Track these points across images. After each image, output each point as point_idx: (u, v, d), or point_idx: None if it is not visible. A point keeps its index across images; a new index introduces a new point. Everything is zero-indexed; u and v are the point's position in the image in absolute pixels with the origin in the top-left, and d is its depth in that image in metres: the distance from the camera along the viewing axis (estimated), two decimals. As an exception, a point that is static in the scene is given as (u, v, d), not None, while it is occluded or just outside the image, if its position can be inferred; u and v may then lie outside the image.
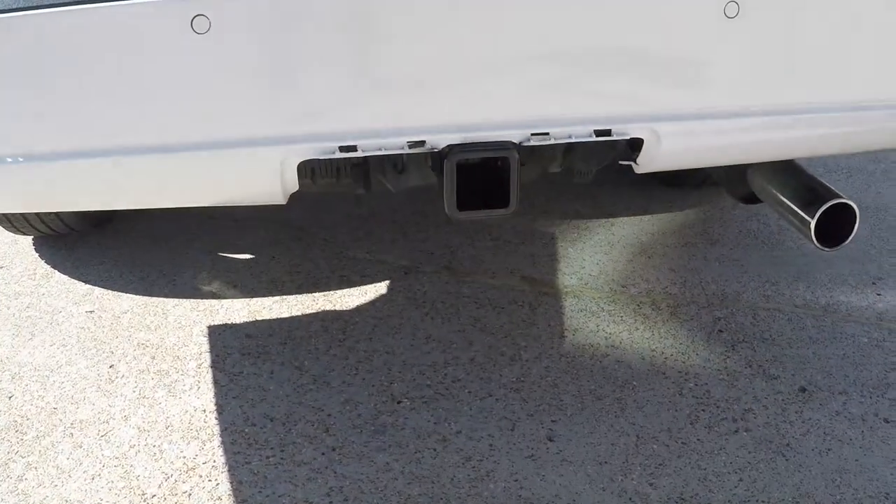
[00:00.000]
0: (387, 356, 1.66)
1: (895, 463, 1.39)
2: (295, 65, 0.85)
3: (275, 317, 1.80)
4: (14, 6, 0.83)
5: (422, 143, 0.92)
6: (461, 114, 0.90)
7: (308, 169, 0.95)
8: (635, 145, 0.99)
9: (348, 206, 2.27)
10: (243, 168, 0.91)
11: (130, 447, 1.43)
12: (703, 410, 1.49)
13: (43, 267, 2.04)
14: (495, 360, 1.63)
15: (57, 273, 2.01)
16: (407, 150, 0.92)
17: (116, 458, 1.41)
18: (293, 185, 0.94)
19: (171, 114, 0.87)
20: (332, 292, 1.89)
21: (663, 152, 1.00)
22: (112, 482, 1.36)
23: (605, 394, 1.53)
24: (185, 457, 1.40)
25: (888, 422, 1.49)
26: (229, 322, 1.78)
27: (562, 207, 2.27)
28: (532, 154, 0.99)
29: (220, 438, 1.44)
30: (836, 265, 1.99)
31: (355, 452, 1.41)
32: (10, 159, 0.89)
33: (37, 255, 2.09)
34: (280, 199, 0.97)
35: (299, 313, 1.81)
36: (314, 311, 1.82)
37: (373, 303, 1.85)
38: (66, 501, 1.32)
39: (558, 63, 0.90)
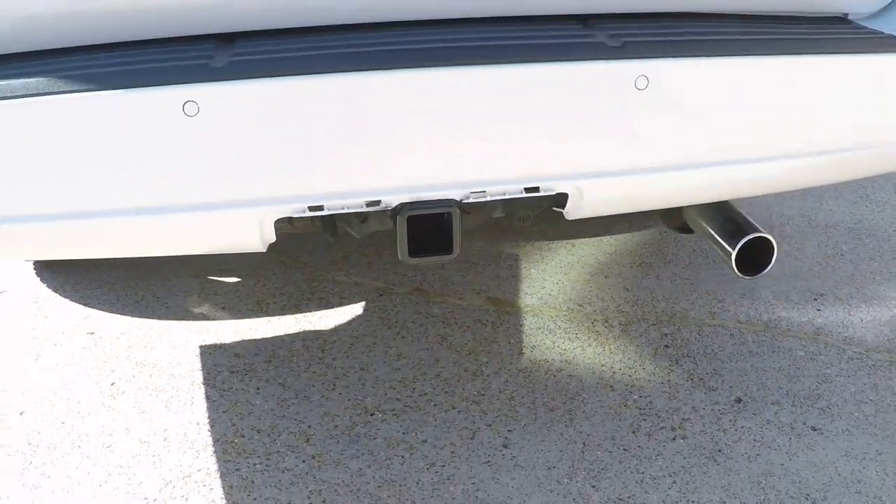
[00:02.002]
0: (361, 373, 1.87)
1: (818, 467, 1.60)
2: (270, 142, 1.06)
3: (260, 336, 2.01)
4: (49, 90, 1.03)
5: (377, 202, 1.14)
6: (409, 178, 1.12)
7: (285, 219, 1.16)
8: (563, 198, 1.21)
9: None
10: (228, 225, 1.12)
11: (133, 457, 1.64)
12: (644, 420, 1.71)
13: (44, 291, 2.25)
14: (459, 376, 1.85)
15: (57, 297, 2.22)
16: (365, 209, 1.13)
17: (120, 466, 1.62)
18: (271, 237, 1.16)
19: (164, 181, 1.08)
20: (312, 313, 2.10)
21: (587, 203, 1.22)
22: (117, 488, 1.57)
23: (557, 405, 1.75)
24: (181, 465, 1.61)
25: (815, 430, 1.70)
26: (218, 342, 1.99)
27: (527, 230, 2.48)
28: (475, 205, 1.20)
29: (212, 448, 1.65)
30: (781, 282, 2.21)
31: (332, 460, 1.62)
32: (29, 217, 1.10)
33: (38, 279, 2.29)
34: (260, 248, 1.18)
35: (282, 333, 2.02)
36: (296, 330, 2.03)
37: (349, 323, 2.06)
38: (75, 507, 1.53)
39: (490, 133, 1.11)
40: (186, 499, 1.54)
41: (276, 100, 1.07)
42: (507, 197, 1.17)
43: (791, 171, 1.34)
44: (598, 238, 2.43)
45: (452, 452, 1.63)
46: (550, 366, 1.87)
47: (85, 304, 2.17)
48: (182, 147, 1.07)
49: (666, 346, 1.95)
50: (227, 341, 2.00)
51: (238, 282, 2.26)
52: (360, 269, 2.28)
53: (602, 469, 1.59)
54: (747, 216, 1.56)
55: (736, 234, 1.46)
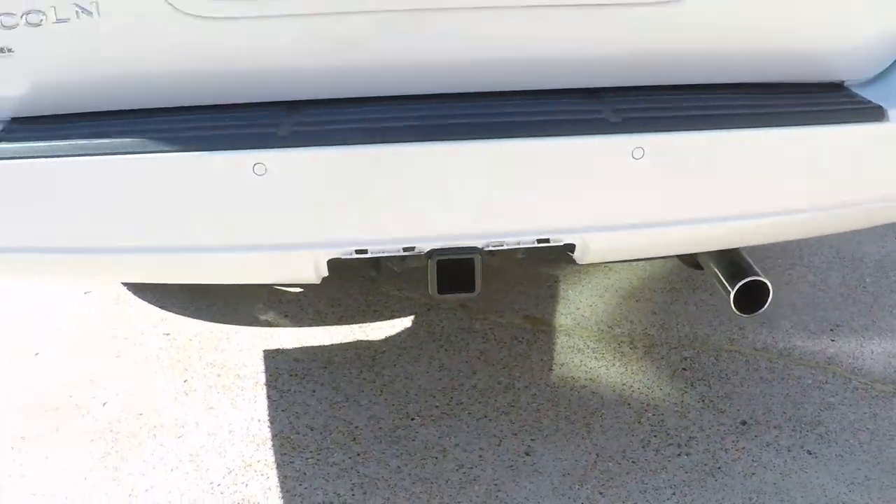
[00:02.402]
0: (406, 381, 2.11)
1: (807, 488, 1.78)
2: (325, 197, 1.30)
3: (318, 344, 2.27)
4: (143, 150, 1.29)
5: (412, 248, 1.37)
6: (440, 229, 1.34)
7: (336, 259, 1.40)
8: (571, 247, 1.41)
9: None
10: (290, 263, 1.37)
11: (201, 447, 1.91)
12: (654, 436, 1.90)
13: (125, 294, 2.56)
14: (493, 388, 2.07)
15: (136, 300, 2.52)
16: (402, 253, 1.36)
17: (190, 455, 1.90)
18: (324, 272, 1.39)
19: (239, 226, 1.33)
20: (366, 324, 2.35)
21: (593, 251, 1.42)
22: (187, 473, 1.84)
23: (577, 419, 1.95)
24: (243, 456, 1.88)
25: (811, 453, 1.87)
26: (280, 347, 2.26)
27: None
28: (497, 251, 1.42)
29: (270, 442, 1.91)
30: (801, 312, 2.37)
31: (375, 457, 1.87)
32: (145, 249, 1.37)
33: (118, 283, 2.60)
34: (315, 281, 1.42)
35: (338, 342, 2.28)
36: (350, 340, 2.29)
37: (399, 334, 2.30)
38: (152, 487, 1.81)
39: (507, 193, 1.33)
40: (246, 485, 1.80)
41: (330, 164, 1.31)
42: (521, 246, 1.39)
43: (773, 227, 1.53)
44: (633, 263, 2.62)
45: (480, 456, 1.86)
46: (576, 382, 2.08)
47: (162, 308, 2.46)
48: (252, 199, 1.32)
49: (684, 370, 2.14)
50: (287, 347, 2.26)
51: (300, 293, 2.53)
52: (411, 285, 2.52)
53: (610, 479, 1.79)
54: (750, 260, 1.74)
55: (736, 276, 1.65)
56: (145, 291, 2.52)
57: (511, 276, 2.56)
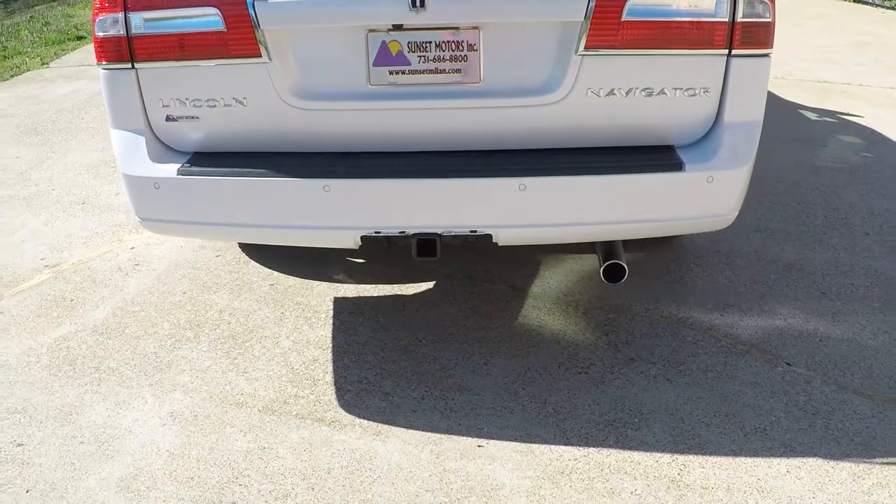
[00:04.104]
0: (421, 319, 3.36)
1: (656, 399, 2.91)
2: (361, 203, 2.57)
3: (368, 294, 3.56)
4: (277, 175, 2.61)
5: (404, 232, 2.62)
6: (418, 223, 2.56)
7: (366, 236, 2.68)
8: (490, 236, 2.63)
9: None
10: (339, 237, 2.66)
11: (289, 349, 3.24)
12: (568, 361, 3.08)
13: (244, 256, 3.93)
14: (475, 327, 3.29)
15: (252, 262, 3.89)
16: (398, 234, 2.63)
17: (282, 354, 3.22)
18: (359, 243, 2.65)
19: (314, 216, 2.63)
20: (402, 284, 3.62)
21: (503, 239, 2.61)
22: (278, 367, 3.17)
23: (523, 347, 3.15)
24: (314, 356, 3.19)
25: (668, 380, 3.00)
26: (345, 296, 3.56)
27: (556, 246, 3.89)
28: (451, 235, 2.66)
29: (331, 350, 3.22)
30: (707, 296, 3.48)
31: (392, 360, 3.12)
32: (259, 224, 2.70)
33: (239, 248, 3.98)
34: (355, 247, 2.69)
35: (382, 294, 3.56)
36: (389, 293, 3.56)
37: (423, 292, 3.56)
38: (255, 368, 3.14)
39: (454, 206, 2.56)
40: (315, 366, 3.11)
41: (362, 187, 2.59)
42: (463, 233, 2.65)
43: (606, 231, 2.71)
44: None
45: (455, 363, 3.08)
46: (530, 327, 3.29)
47: (268, 267, 3.82)
48: (323, 203, 2.63)
49: (605, 325, 3.31)
50: (349, 295, 3.57)
51: (362, 262, 3.84)
52: (437, 263, 3.79)
53: (532, 382, 3.00)
54: (621, 248, 2.92)
55: (606, 258, 2.85)
56: (260, 256, 3.90)
57: (509, 259, 3.79)
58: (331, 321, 3.39)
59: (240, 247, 3.96)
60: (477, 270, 3.71)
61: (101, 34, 2.66)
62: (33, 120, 6.04)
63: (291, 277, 3.72)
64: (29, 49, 8.35)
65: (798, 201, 4.35)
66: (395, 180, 2.59)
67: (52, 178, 4.97)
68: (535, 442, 2.71)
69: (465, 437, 2.74)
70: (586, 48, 2.51)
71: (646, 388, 2.96)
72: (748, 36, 2.57)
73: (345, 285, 3.64)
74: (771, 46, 2.64)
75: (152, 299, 3.60)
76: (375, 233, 2.66)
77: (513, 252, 3.66)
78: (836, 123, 5.42)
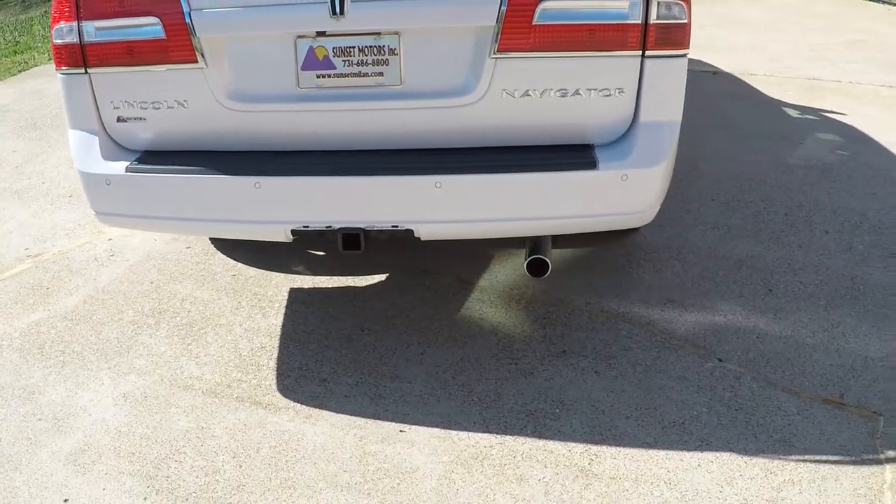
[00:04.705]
0: (369, 310, 3.53)
1: (580, 390, 3.04)
2: (291, 199, 2.74)
3: (323, 286, 3.74)
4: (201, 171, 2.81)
5: (330, 227, 2.78)
6: (343, 218, 2.71)
7: (295, 230, 2.85)
8: (411, 231, 2.78)
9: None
10: (272, 230, 2.82)
11: (240, 336, 3.43)
12: (501, 353, 3.23)
13: (212, 248, 4.13)
14: (420, 317, 3.45)
15: (219, 254, 4.09)
16: (325, 228, 2.79)
17: (233, 340, 3.40)
18: (290, 237, 2.80)
19: (247, 210, 2.81)
20: (358, 276, 3.81)
21: (423, 234, 2.75)
22: (227, 353, 3.36)
23: (460, 338, 3.29)
24: (262, 344, 3.38)
25: (597, 373, 3.12)
26: (300, 286, 3.74)
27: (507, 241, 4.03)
28: (375, 230, 2.82)
29: (279, 337, 3.40)
30: (652, 291, 3.60)
31: (334, 347, 3.31)
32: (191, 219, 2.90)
33: (208, 241, 4.18)
34: (287, 241, 2.86)
35: (336, 285, 3.74)
36: (344, 284, 3.75)
37: (375, 284, 3.73)
38: (206, 354, 3.34)
39: (376, 203, 2.71)
40: (261, 356, 3.31)
41: (291, 184, 2.76)
42: (385, 228, 2.81)
43: (521, 228, 2.83)
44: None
45: (393, 352, 3.23)
46: (471, 318, 3.43)
47: (234, 259, 4.02)
48: (254, 201, 2.80)
49: (544, 318, 3.45)
50: (304, 286, 3.75)
51: (322, 255, 4.03)
52: (392, 257, 3.96)
53: (463, 371, 3.14)
54: (548, 244, 3.06)
55: (531, 253, 2.99)
56: (226, 248, 4.10)
57: (461, 253, 3.94)
58: (283, 311, 3.58)
59: (209, 239, 4.16)
60: (430, 264, 3.87)
61: (58, 41, 2.87)
62: (34, 115, 6.33)
63: (253, 269, 3.91)
64: (40, 44, 8.67)
65: (762, 199, 4.43)
66: (320, 178, 2.76)
67: (45, 171, 5.23)
68: (454, 429, 2.86)
69: (389, 423, 2.90)
70: (499, 51, 2.65)
71: (572, 379, 3.09)
72: (662, 37, 2.67)
73: (302, 277, 3.83)
74: (687, 47, 2.74)
75: (122, 288, 3.82)
76: (304, 227, 2.83)
77: (465, 246, 3.83)
78: (817, 121, 5.47)
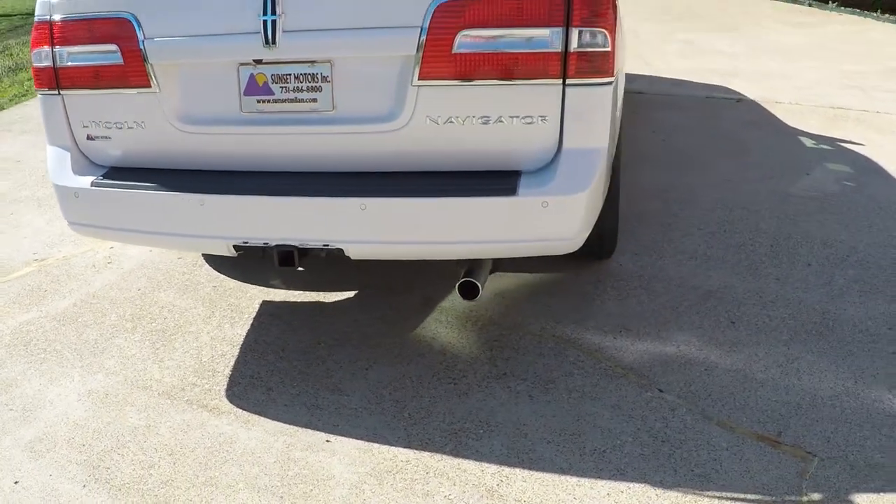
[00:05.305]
0: (330, 325, 3.71)
1: (509, 413, 3.11)
2: (231, 217, 2.94)
3: (292, 300, 3.94)
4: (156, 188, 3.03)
5: (267, 243, 2.96)
6: (278, 236, 2.88)
7: (237, 245, 3.05)
8: (341, 250, 2.94)
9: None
10: (216, 244, 3.03)
11: (205, 344, 3.64)
12: (443, 372, 3.34)
13: (200, 260, 4.37)
14: (375, 334, 3.61)
15: (206, 265, 4.33)
16: (263, 245, 2.96)
17: (198, 348, 3.63)
18: (234, 252, 3.00)
19: (193, 224, 3.03)
20: (327, 292, 3.99)
21: (353, 253, 2.90)
22: (190, 359, 3.58)
23: (407, 355, 3.42)
24: (223, 352, 3.58)
25: (531, 397, 3.17)
26: (272, 300, 3.95)
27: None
28: (307, 247, 2.98)
29: (240, 346, 3.60)
30: (610, 318, 3.64)
31: (288, 358, 3.49)
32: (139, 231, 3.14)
33: (201, 256, 4.43)
34: (231, 255, 3.07)
35: (304, 300, 3.93)
36: (311, 300, 3.93)
37: (342, 300, 3.91)
38: (170, 359, 3.57)
39: (307, 222, 2.87)
40: (221, 363, 3.51)
41: (233, 202, 2.96)
42: (317, 247, 2.97)
43: (448, 251, 2.96)
44: (519, 273, 4.02)
45: (340, 367, 3.39)
46: (424, 337, 3.54)
47: (217, 270, 4.26)
48: (199, 217, 3.02)
49: (495, 341, 3.54)
50: (276, 300, 3.95)
51: (302, 270, 4.22)
52: (366, 275, 4.12)
53: (402, 388, 3.27)
54: (482, 267, 3.16)
55: (466, 274, 3.11)
56: (212, 260, 4.34)
57: (431, 272, 4.07)
58: (251, 322, 3.78)
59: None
60: (399, 282, 4.02)
61: (36, 65, 3.17)
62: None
63: (233, 281, 4.13)
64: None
65: (752, 229, 4.41)
66: (256, 197, 2.95)
67: (72, 180, 5.61)
68: (378, 442, 2.99)
69: (318, 432, 3.05)
70: (420, 79, 2.79)
71: (505, 402, 3.18)
72: (584, 65, 2.76)
73: (276, 290, 4.03)
74: (611, 75, 2.82)
75: (111, 293, 4.10)
76: (244, 243, 3.03)
77: (436, 265, 3.96)
78: (830, 151, 5.39)
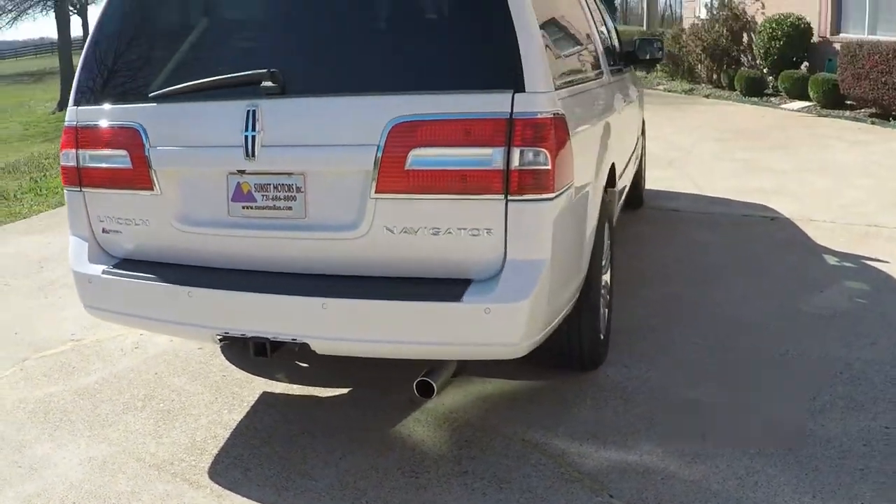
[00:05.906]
0: (316, 405, 4.01)
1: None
2: (215, 311, 3.31)
3: (290, 392, 4.27)
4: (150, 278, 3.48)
5: (245, 335, 3.30)
6: (254, 329, 3.20)
7: (218, 336, 3.41)
8: (307, 345, 3.25)
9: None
10: (204, 333, 3.40)
11: (202, 426, 3.97)
12: (408, 467, 3.53)
13: (217, 350, 4.79)
14: (349, 416, 3.89)
15: (221, 356, 4.73)
16: (241, 336, 3.31)
17: (195, 428, 3.95)
18: (217, 340, 3.38)
19: (188, 316, 3.42)
20: (325, 388, 4.30)
21: (318, 348, 3.21)
22: (185, 437, 3.93)
23: (374, 446, 3.67)
24: (216, 434, 3.91)
25: (484, 494, 3.39)
26: (271, 391, 4.29)
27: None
28: (278, 340, 3.32)
29: (231, 432, 3.93)
30: (581, 423, 3.79)
31: (278, 443, 3.79)
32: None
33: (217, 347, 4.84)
34: (215, 344, 3.43)
35: (306, 393, 4.25)
36: (312, 393, 4.24)
37: (337, 395, 4.21)
38: (168, 436, 3.92)
39: (278, 320, 3.22)
40: (217, 439, 3.84)
41: (218, 297, 3.34)
42: (287, 340, 3.30)
43: (399, 350, 3.24)
44: (505, 379, 4.23)
45: (318, 455, 3.70)
46: (401, 434, 3.79)
47: (231, 361, 4.64)
48: (187, 307, 3.41)
49: (465, 441, 3.74)
50: (276, 392, 4.29)
51: (306, 366, 4.56)
52: (363, 371, 4.42)
53: (366, 478, 3.49)
54: (446, 368, 3.42)
55: (425, 374, 3.37)
56: (227, 351, 4.73)
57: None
58: (247, 409, 4.12)
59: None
60: (393, 381, 4.30)
61: (63, 164, 3.70)
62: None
63: (242, 372, 4.50)
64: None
65: (750, 345, 4.50)
66: (235, 292, 3.32)
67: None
68: (331, 525, 3.23)
69: (279, 512, 3.32)
70: (377, 192, 3.14)
71: (459, 497, 3.37)
72: (525, 183, 3.05)
73: (279, 383, 4.37)
74: (552, 191, 3.09)
75: (130, 375, 4.53)
76: (225, 333, 3.40)
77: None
78: (852, 269, 5.42)
